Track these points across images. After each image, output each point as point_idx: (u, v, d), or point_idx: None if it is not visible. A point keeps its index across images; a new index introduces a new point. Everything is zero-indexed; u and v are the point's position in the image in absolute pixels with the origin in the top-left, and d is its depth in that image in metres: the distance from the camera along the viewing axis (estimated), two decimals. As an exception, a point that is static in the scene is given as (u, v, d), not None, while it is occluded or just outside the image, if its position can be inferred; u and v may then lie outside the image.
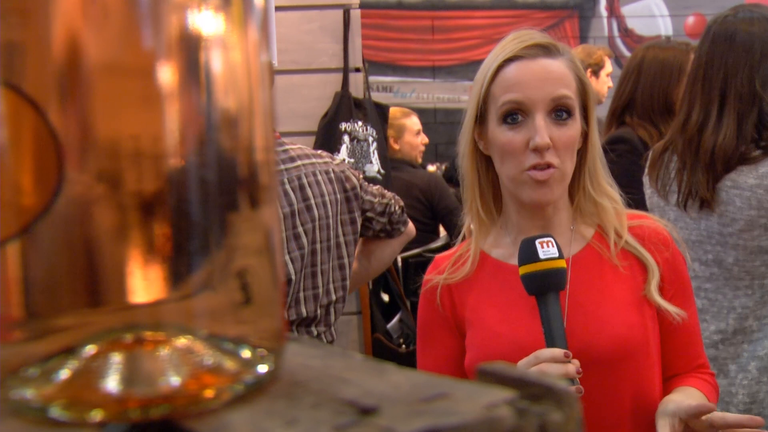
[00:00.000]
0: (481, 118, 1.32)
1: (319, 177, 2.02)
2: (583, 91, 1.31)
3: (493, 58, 1.31)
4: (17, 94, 0.35)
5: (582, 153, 1.33)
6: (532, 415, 0.34)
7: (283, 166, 1.97)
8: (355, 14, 3.31)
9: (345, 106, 3.06)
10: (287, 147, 2.03)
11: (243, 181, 0.35)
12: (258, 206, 0.35)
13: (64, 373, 0.34)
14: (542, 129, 1.24)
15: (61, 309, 0.34)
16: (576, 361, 1.12)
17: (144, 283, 0.34)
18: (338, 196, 2.05)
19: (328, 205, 2.02)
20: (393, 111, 3.78)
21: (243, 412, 0.34)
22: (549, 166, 1.24)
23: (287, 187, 1.95)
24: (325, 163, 2.07)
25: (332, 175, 2.05)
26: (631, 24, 11.33)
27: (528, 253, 1.19)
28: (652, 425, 1.25)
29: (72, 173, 0.33)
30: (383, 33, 9.88)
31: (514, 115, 1.26)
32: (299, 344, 0.44)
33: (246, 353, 0.36)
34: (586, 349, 1.21)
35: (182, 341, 0.35)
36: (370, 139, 3.31)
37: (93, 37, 0.31)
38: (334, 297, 2.07)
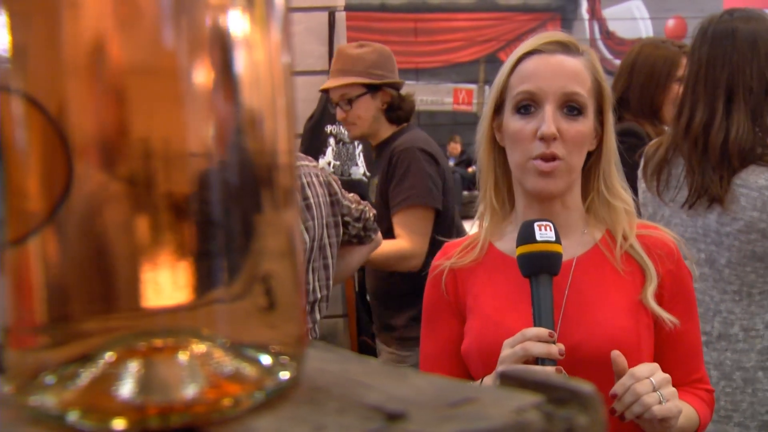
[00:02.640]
0: (499, 110, 1.36)
1: (312, 179, 2.09)
2: (599, 92, 1.34)
3: (515, 52, 1.35)
4: (26, 99, 0.34)
5: (596, 154, 1.35)
6: (559, 419, 0.33)
7: None
8: (340, 16, 3.30)
9: (330, 109, 3.05)
10: None
11: (267, 183, 0.34)
12: (281, 209, 0.35)
13: (83, 380, 0.33)
14: (549, 119, 1.26)
15: (80, 315, 0.33)
16: (561, 345, 1.14)
17: (164, 288, 0.33)
18: (326, 199, 2.12)
19: (321, 207, 2.09)
20: None
21: (268, 419, 0.33)
22: (554, 157, 1.27)
23: None
24: (314, 167, 2.14)
25: (320, 178, 2.12)
26: (613, 26, 11.40)
27: (525, 234, 1.22)
28: (636, 429, 1.26)
29: (92, 175, 0.32)
30: (366, 35, 9.87)
31: (527, 105, 1.30)
32: (314, 348, 0.43)
33: (267, 360, 0.35)
34: (577, 347, 1.22)
35: (202, 348, 0.34)
36: (356, 141, 3.31)
37: (117, 39, 0.31)
38: (319, 295, 2.13)
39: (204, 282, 0.33)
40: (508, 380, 0.36)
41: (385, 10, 10.51)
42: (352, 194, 2.27)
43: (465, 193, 10.41)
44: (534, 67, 1.30)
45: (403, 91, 2.69)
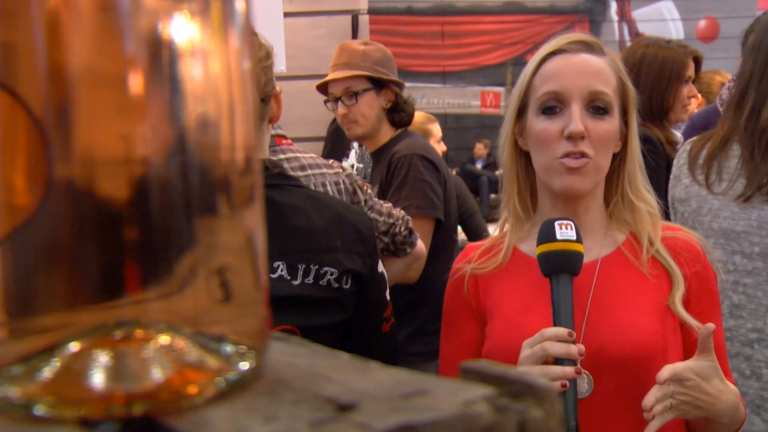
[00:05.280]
0: (521, 112, 1.35)
1: (329, 188, 2.00)
2: (624, 92, 1.33)
3: (537, 54, 1.34)
4: (8, 94, 0.35)
5: (621, 156, 1.34)
6: (512, 411, 0.34)
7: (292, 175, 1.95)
8: (364, 20, 3.32)
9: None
10: (299, 155, 2.00)
11: (222, 183, 0.35)
12: (238, 208, 0.36)
13: (48, 371, 0.34)
14: (577, 117, 1.25)
15: (45, 308, 0.34)
16: (581, 345, 1.13)
17: (125, 281, 0.34)
18: None
19: None
20: (417, 116, 3.71)
21: (223, 409, 0.34)
22: (582, 155, 1.25)
23: None
24: (336, 174, 2.05)
25: (342, 186, 2.03)
26: (642, 28, 11.31)
27: (546, 233, 1.22)
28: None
29: (55, 176, 0.33)
30: (393, 39, 9.90)
31: (552, 106, 1.29)
32: (286, 344, 0.44)
33: (228, 350, 0.36)
34: (603, 350, 1.22)
35: (164, 338, 0.35)
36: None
37: (73, 42, 0.32)
38: None
39: (162, 276, 0.34)
40: (468, 374, 0.37)
41: (411, 13, 10.53)
42: (387, 205, 2.17)
43: (492, 196, 10.42)
44: (558, 67, 1.29)
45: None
